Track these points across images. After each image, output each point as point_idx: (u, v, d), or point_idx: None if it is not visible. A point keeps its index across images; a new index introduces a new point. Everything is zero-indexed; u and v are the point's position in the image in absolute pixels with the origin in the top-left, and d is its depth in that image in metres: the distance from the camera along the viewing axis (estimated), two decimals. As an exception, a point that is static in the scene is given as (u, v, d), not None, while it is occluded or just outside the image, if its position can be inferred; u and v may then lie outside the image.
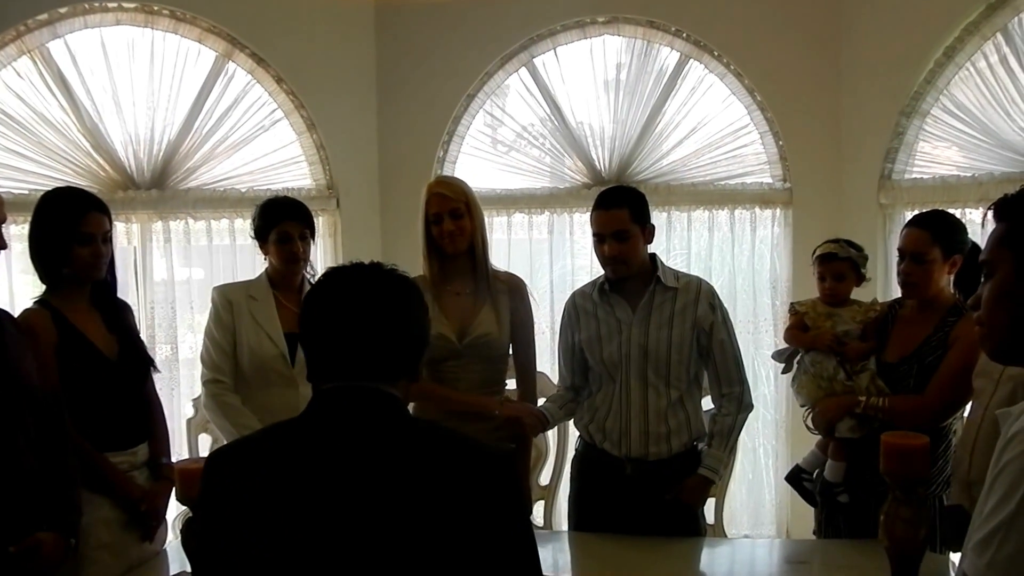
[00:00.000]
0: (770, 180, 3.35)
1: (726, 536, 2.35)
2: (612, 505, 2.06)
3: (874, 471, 1.62)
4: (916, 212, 2.78)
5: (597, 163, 3.39)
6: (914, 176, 3.06)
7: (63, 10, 3.01)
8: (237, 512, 1.04)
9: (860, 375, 2.01)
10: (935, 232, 1.95)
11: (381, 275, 1.13)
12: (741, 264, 3.34)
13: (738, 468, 2.43)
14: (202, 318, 3.02)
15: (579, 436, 2.20)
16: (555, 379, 2.33)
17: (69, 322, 1.86)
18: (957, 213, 2.61)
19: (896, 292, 2.25)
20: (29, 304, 1.89)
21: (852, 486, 2.00)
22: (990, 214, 1.06)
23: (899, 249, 2.02)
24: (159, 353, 3.06)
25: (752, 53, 3.27)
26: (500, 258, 2.30)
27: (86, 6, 3.04)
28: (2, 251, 1.66)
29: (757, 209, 3.33)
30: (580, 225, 3.37)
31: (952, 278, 2.00)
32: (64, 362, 1.83)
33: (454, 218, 2.11)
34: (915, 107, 3.01)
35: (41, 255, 1.88)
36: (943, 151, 3.02)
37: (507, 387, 2.31)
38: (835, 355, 2.02)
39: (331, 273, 1.14)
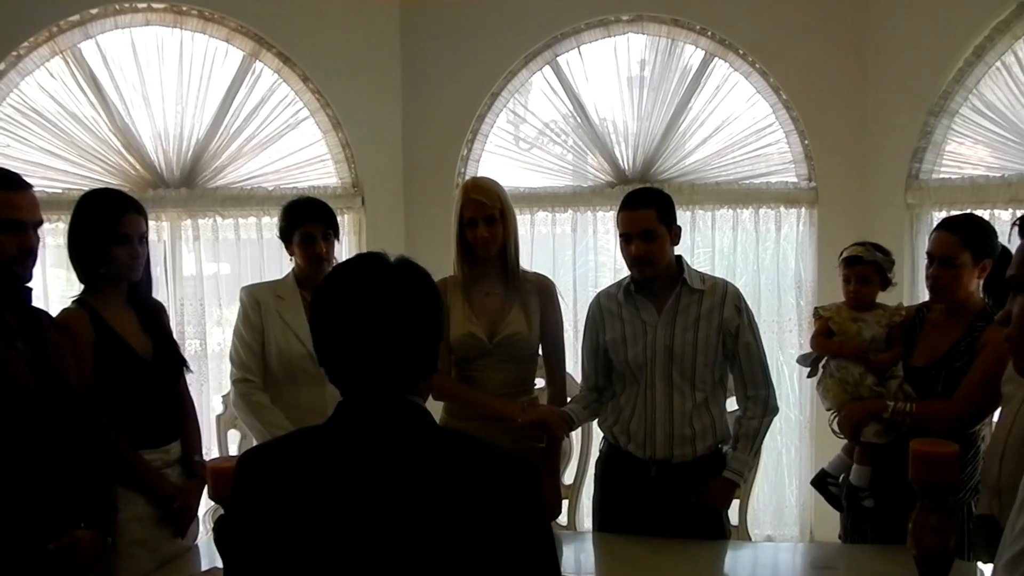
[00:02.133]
0: (795, 179, 3.32)
1: (750, 539, 2.34)
2: (636, 507, 2.06)
3: (901, 476, 1.60)
4: (944, 212, 2.79)
5: (621, 161, 3.38)
6: (942, 176, 3.01)
7: (94, 11, 3.04)
8: (266, 514, 1.05)
9: (888, 381, 1.99)
10: (965, 236, 1.92)
11: (388, 273, 1.06)
12: (765, 263, 3.31)
13: (761, 468, 2.41)
14: (229, 313, 3.08)
15: (603, 437, 2.19)
16: (578, 379, 2.32)
17: (106, 322, 1.88)
18: (986, 214, 2.59)
19: (922, 294, 2.22)
20: (67, 303, 1.91)
21: (878, 491, 1.99)
22: (1015, 231, 1.05)
23: (928, 253, 1.99)
24: (188, 348, 3.09)
25: (778, 51, 3.23)
26: (523, 256, 2.29)
27: (116, 7, 3.07)
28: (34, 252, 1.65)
29: (782, 208, 3.30)
30: (603, 223, 3.36)
31: (982, 282, 1.97)
32: (101, 362, 1.85)
33: (488, 224, 2.11)
34: (943, 106, 2.96)
35: (79, 255, 1.90)
36: (972, 151, 2.97)
37: (536, 387, 2.31)
38: (861, 362, 2.00)
39: (335, 277, 1.08)
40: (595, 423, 2.27)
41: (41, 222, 1.66)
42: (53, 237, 2.88)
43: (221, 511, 1.64)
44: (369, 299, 1.05)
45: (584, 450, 2.50)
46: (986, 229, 1.97)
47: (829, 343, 2.06)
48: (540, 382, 2.34)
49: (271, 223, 3.17)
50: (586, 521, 2.45)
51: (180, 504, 1.93)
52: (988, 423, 1.95)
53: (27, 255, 1.61)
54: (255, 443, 2.21)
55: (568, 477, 2.50)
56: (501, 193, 2.16)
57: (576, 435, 2.46)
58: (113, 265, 1.87)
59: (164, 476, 1.95)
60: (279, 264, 2.96)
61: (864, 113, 3.19)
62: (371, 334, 1.04)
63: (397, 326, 1.05)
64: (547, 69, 3.41)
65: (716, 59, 3.30)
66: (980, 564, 1.78)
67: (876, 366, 1.99)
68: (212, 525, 1.74)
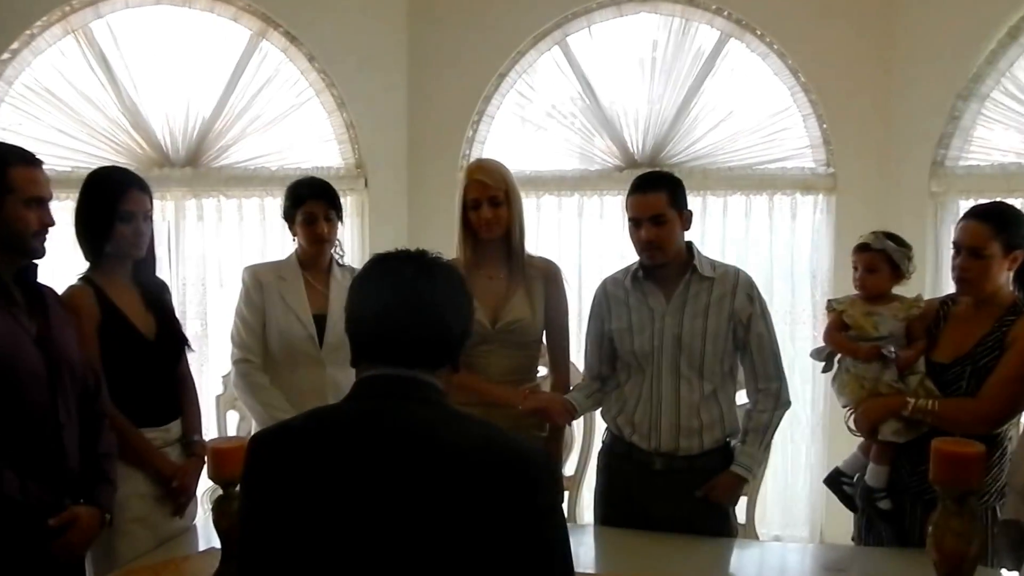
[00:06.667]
0: (812, 165, 3.22)
1: (757, 537, 2.26)
2: (639, 500, 1.98)
3: (920, 477, 1.53)
4: (971, 201, 2.65)
5: (630, 145, 3.30)
6: (970, 163, 2.87)
7: (106, -11, 3.03)
8: (277, 495, 1.04)
9: (908, 376, 1.87)
10: (995, 225, 1.79)
11: (427, 264, 1.12)
12: (779, 252, 3.21)
13: (771, 465, 2.33)
14: (231, 294, 3.03)
15: (606, 428, 2.12)
16: (581, 368, 2.25)
17: (110, 300, 1.88)
18: (1017, 203, 2.42)
19: (946, 287, 2.11)
20: (73, 280, 1.91)
21: (895, 492, 1.88)
22: None
23: (955, 243, 1.86)
24: (189, 329, 3.07)
25: (797, 32, 3.12)
26: (527, 241, 2.23)
27: (128, -15, 3.06)
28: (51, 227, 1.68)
29: (798, 195, 3.20)
30: (611, 208, 3.28)
31: (1012, 275, 1.83)
32: (104, 340, 1.85)
33: (492, 206, 2.06)
34: (974, 90, 2.81)
35: (84, 232, 1.90)
36: (1003, 137, 2.82)
37: (539, 374, 2.25)
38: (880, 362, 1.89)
39: (378, 260, 1.14)
40: (598, 413, 2.19)
41: (51, 197, 1.67)
42: (61, 215, 2.85)
43: (220, 491, 1.61)
44: (413, 275, 1.10)
45: (586, 441, 2.44)
46: (1018, 218, 1.83)
47: (845, 341, 1.95)
48: (542, 370, 2.27)
49: (274, 204, 3.15)
50: (587, 514, 2.38)
51: (179, 483, 1.92)
52: (1016, 423, 1.83)
53: (45, 230, 1.64)
54: (254, 424, 2.21)
55: (569, 468, 2.44)
56: (507, 175, 2.11)
57: (578, 425, 2.40)
58: (117, 243, 1.87)
59: (164, 455, 1.94)
60: (281, 246, 2.97)
61: (887, 96, 3.06)
62: (410, 304, 1.08)
63: (439, 305, 1.09)
64: (556, 49, 3.34)
65: (732, 40, 3.21)
66: (1004, 571, 1.68)
67: (898, 366, 1.88)
68: (211, 505, 1.70)
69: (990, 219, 1.80)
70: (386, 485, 1.00)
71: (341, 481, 1.01)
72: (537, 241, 3.15)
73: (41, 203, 1.62)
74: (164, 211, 3.13)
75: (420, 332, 1.07)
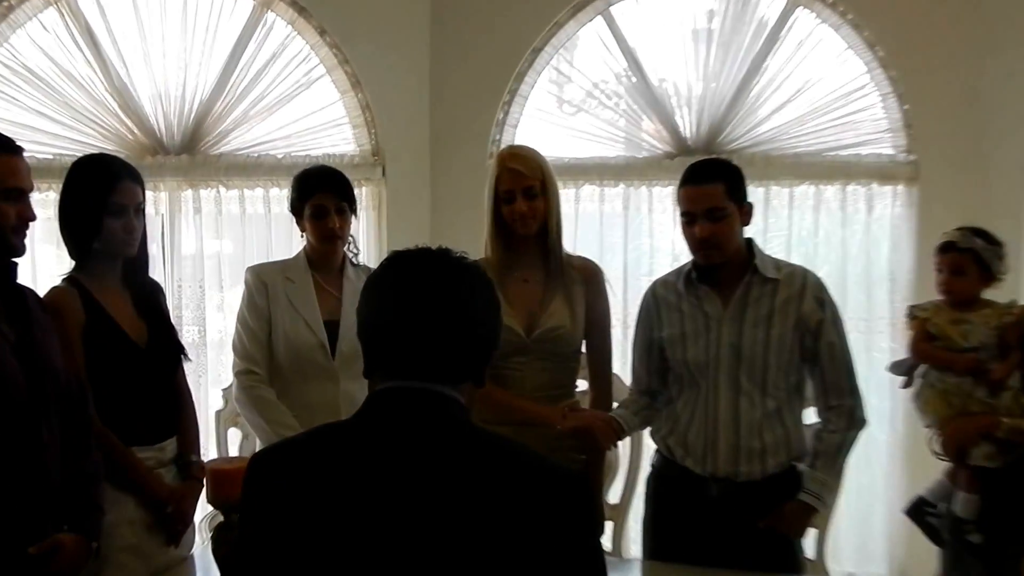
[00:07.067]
0: (891, 151, 3.24)
1: (828, 574, 2.27)
2: (693, 532, 2.01)
3: (1016, 508, 1.58)
4: None
5: (682, 128, 3.33)
6: None
7: (92, -44, 3.08)
8: (280, 520, 1.06)
9: (1001, 392, 1.91)
10: None
11: (450, 264, 1.13)
12: (853, 251, 3.23)
13: (844, 492, 2.34)
14: (231, 297, 3.10)
15: (656, 450, 2.15)
16: (626, 381, 2.29)
17: (98, 303, 1.90)
18: None
19: None
20: (57, 280, 1.93)
21: (987, 524, 1.91)
22: None
23: (1057, 240, 1.88)
24: (186, 335, 3.13)
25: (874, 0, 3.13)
26: (566, 237, 2.27)
27: (116, -49, 3.12)
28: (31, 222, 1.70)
29: (875, 185, 3.22)
30: (660, 200, 3.32)
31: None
32: (90, 347, 1.87)
33: (528, 198, 2.09)
34: None
35: (70, 227, 1.92)
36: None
37: (578, 388, 2.28)
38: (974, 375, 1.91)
39: (394, 259, 1.15)
40: (646, 432, 2.23)
41: (32, 188, 1.69)
42: (44, 208, 2.92)
43: (220, 517, 1.64)
44: (433, 277, 1.11)
45: (633, 464, 2.47)
46: None
47: (936, 351, 1.98)
48: (581, 383, 2.30)
49: (280, 196, 3.18)
50: (634, 548, 2.42)
51: (174, 508, 1.94)
52: None
53: (25, 225, 1.65)
54: (258, 443, 2.25)
55: (614, 495, 2.48)
56: (543, 163, 2.14)
57: (624, 446, 2.41)
58: (106, 239, 1.89)
59: (158, 477, 1.96)
60: (288, 243, 2.97)
61: (977, 74, 3.07)
62: (429, 310, 1.08)
63: (456, 308, 1.10)
64: (598, 21, 3.36)
65: (799, 8, 3.23)
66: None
67: (993, 379, 1.91)
68: (210, 533, 1.75)
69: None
70: (400, 511, 1.01)
71: (350, 505, 1.03)
72: (576, 238, 3.19)
73: (21, 195, 1.64)
74: (157, 203, 3.15)
75: (441, 341, 1.08)
